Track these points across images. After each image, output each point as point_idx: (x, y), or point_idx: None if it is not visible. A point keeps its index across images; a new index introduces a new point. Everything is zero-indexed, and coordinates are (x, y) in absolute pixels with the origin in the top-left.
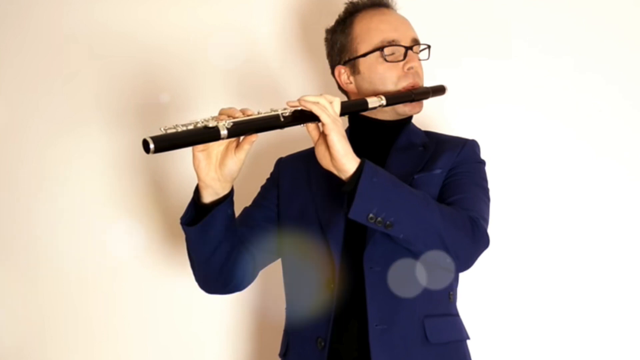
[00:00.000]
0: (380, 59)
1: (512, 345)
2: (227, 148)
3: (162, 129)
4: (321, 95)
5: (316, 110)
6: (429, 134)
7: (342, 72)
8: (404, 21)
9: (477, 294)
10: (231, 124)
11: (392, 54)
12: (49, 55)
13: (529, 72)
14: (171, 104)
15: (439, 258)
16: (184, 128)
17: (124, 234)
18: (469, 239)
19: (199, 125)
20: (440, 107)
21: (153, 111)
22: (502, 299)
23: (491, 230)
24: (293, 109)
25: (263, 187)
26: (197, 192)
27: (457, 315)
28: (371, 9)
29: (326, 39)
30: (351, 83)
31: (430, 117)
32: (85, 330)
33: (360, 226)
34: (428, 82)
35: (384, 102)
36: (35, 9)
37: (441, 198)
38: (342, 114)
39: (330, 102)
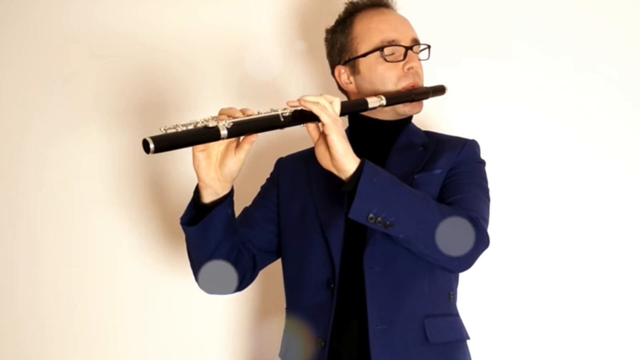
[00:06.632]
0: (380, 59)
1: (512, 345)
2: (227, 148)
3: (162, 129)
4: (321, 95)
5: (316, 110)
6: (429, 134)
7: (342, 72)
8: (404, 21)
9: (477, 294)
10: (231, 124)
11: (392, 54)
12: (49, 55)
13: (529, 72)
14: (171, 104)
15: (439, 258)
16: (184, 128)
17: (124, 234)
18: (469, 239)
19: (199, 125)
20: (440, 107)
21: (153, 111)
22: (502, 299)
23: (491, 230)
24: (293, 109)
25: (263, 187)
26: (197, 192)
27: (457, 315)
28: (371, 9)
29: (326, 39)
30: (351, 83)
31: (430, 117)
32: (85, 330)
33: (360, 226)
34: (428, 82)
35: (384, 102)
36: (35, 9)
37: (441, 198)
38: (342, 114)
39: (330, 102)
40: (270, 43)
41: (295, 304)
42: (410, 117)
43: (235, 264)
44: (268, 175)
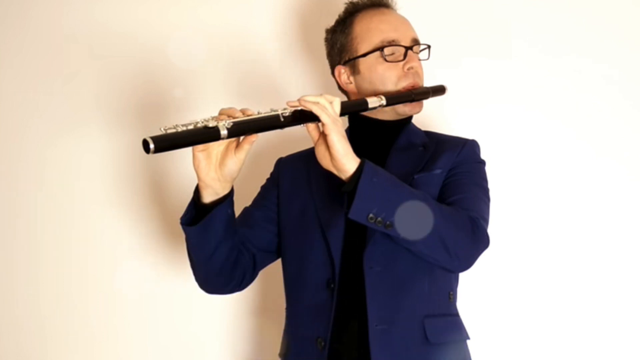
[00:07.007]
0: (380, 59)
1: (512, 345)
2: (227, 148)
3: (162, 129)
4: (321, 95)
5: (316, 110)
6: (429, 134)
7: (342, 72)
8: (404, 21)
9: (477, 294)
10: (231, 124)
11: (392, 54)
12: (49, 55)
13: (529, 72)
14: (171, 104)
15: (439, 258)
16: (184, 128)
17: (124, 234)
18: (469, 239)
19: (199, 125)
20: (440, 107)
21: (153, 111)
22: (502, 299)
23: (491, 230)
24: (293, 109)
25: (263, 187)
26: (197, 192)
27: (457, 315)
28: (371, 9)
29: (326, 39)
30: (351, 83)
31: (430, 117)
32: (85, 330)
33: (360, 226)
34: (428, 82)
35: (384, 102)
36: (35, 9)
37: (441, 198)
38: (342, 114)
39: (330, 102)
40: (270, 43)
41: (295, 304)
42: (410, 117)
43: (235, 264)
44: (268, 175)
